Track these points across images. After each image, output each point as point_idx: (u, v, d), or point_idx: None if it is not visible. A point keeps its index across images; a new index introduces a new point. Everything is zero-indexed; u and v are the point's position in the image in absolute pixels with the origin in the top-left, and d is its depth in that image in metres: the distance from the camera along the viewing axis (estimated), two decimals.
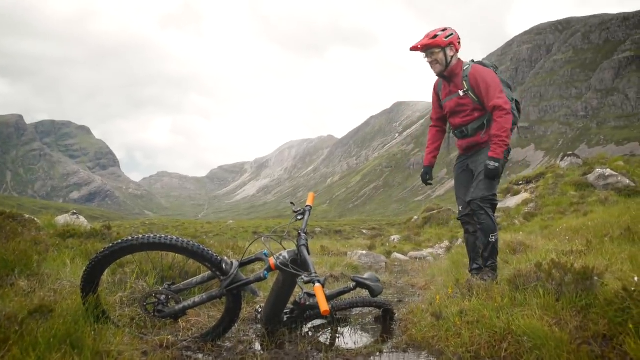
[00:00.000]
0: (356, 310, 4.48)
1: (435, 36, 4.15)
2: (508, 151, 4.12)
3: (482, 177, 4.09)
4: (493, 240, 4.05)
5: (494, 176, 4.01)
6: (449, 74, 4.28)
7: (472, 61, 4.39)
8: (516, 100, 4.40)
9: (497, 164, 3.97)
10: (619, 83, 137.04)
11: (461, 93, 4.23)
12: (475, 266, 4.32)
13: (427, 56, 4.25)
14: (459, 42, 4.25)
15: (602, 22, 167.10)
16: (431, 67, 4.29)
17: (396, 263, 9.16)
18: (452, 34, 4.19)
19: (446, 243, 12.06)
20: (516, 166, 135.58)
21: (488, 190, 4.09)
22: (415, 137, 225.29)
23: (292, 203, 3.65)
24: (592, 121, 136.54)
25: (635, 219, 6.84)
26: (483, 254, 4.15)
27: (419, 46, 4.19)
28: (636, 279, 2.43)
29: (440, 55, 4.18)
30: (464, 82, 4.21)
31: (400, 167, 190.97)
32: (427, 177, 4.77)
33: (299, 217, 3.45)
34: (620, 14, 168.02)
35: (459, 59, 4.29)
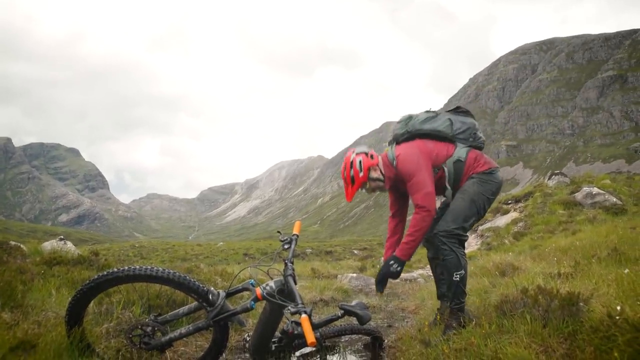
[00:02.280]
0: (345, 337, 4.45)
1: (352, 178, 3.83)
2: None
3: (455, 206, 3.72)
4: (457, 279, 3.55)
5: (392, 277, 3.71)
6: (393, 182, 3.94)
7: (391, 144, 4.05)
8: (473, 126, 3.95)
9: (399, 268, 3.68)
10: (604, 101, 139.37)
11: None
12: (440, 292, 4.13)
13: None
14: (371, 157, 3.87)
15: (585, 42, 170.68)
16: (379, 191, 4.03)
17: (386, 285, 9.11)
18: (361, 160, 3.82)
19: None
20: (505, 184, 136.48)
21: (455, 222, 3.64)
22: None
23: (279, 232, 3.65)
24: (578, 139, 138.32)
25: (622, 239, 6.91)
26: (447, 294, 3.74)
27: (353, 194, 3.89)
28: (619, 308, 2.44)
29: (372, 184, 3.89)
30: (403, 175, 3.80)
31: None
32: (382, 285, 3.90)
33: (286, 247, 3.44)
34: (601, 34, 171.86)
35: (382, 159, 3.94)
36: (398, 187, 3.99)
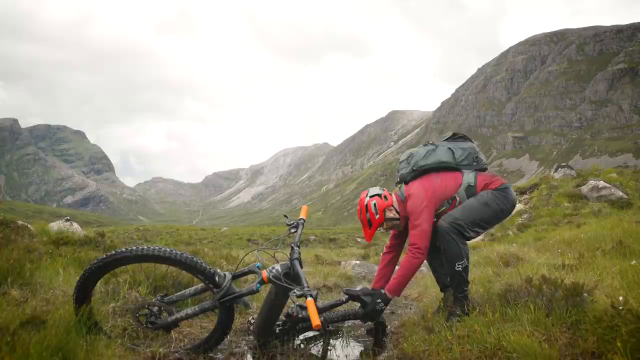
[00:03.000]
0: (348, 322, 4.49)
1: (370, 221, 3.92)
2: None
3: (467, 203, 3.73)
4: (459, 269, 3.55)
5: (375, 315, 3.79)
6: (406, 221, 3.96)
7: (398, 184, 4.15)
8: (473, 150, 3.98)
9: (383, 306, 3.74)
10: (613, 94, 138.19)
11: None
12: (442, 284, 4.16)
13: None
14: (385, 198, 3.94)
15: (596, 34, 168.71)
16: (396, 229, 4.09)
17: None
18: (375, 203, 3.90)
19: None
20: (510, 176, 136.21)
21: (463, 216, 3.64)
22: (410, 146, 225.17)
23: (285, 216, 3.68)
24: (586, 132, 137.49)
25: (627, 232, 6.89)
26: (451, 283, 3.74)
27: (372, 235, 3.99)
28: (621, 298, 2.45)
29: (389, 223, 3.96)
30: None
31: (395, 176, 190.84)
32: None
33: (292, 231, 3.47)
34: (614, 26, 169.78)
35: (397, 200, 4.00)
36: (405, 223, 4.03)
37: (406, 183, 4.03)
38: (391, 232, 4.26)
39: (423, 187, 3.81)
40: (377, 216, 3.89)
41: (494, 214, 3.73)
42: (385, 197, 3.95)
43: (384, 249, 4.34)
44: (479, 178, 3.86)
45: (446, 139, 4.09)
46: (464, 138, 4.09)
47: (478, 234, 3.78)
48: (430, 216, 3.71)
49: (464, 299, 3.60)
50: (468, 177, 3.84)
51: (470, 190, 3.79)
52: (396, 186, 4.17)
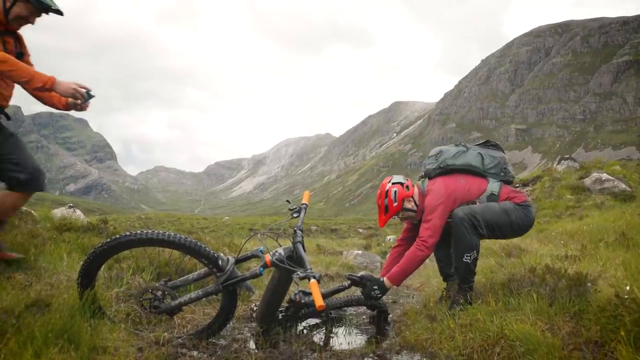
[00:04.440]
0: (351, 310, 4.50)
1: (387, 207, 3.92)
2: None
3: (487, 204, 3.71)
4: (468, 260, 3.52)
5: (369, 299, 3.71)
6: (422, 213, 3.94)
7: (422, 178, 4.10)
8: (503, 160, 3.95)
9: (379, 295, 3.65)
10: (617, 87, 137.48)
11: None
12: (444, 273, 4.18)
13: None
14: (407, 187, 3.92)
15: (602, 26, 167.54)
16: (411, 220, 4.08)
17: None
18: (396, 191, 3.89)
19: None
20: (513, 168, 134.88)
21: (482, 213, 3.59)
22: (412, 137, 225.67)
23: (288, 201, 3.68)
24: (589, 125, 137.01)
25: (630, 225, 6.89)
26: (457, 273, 3.70)
27: (386, 221, 4.00)
28: (628, 287, 2.45)
29: (406, 214, 3.96)
30: None
31: (398, 167, 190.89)
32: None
33: (295, 215, 3.47)
34: (619, 17, 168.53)
35: (418, 193, 3.98)
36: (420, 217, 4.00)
37: (430, 178, 4.01)
38: (405, 225, 4.24)
39: (445, 185, 3.79)
40: (395, 204, 3.88)
41: (510, 224, 3.66)
42: (407, 187, 3.93)
43: (396, 242, 4.31)
44: (504, 189, 3.82)
45: (478, 144, 4.06)
46: (496, 147, 4.06)
47: (489, 236, 3.71)
48: (444, 214, 3.68)
49: (469, 290, 3.58)
50: (492, 185, 3.80)
51: (492, 199, 3.74)
52: (419, 180, 4.14)
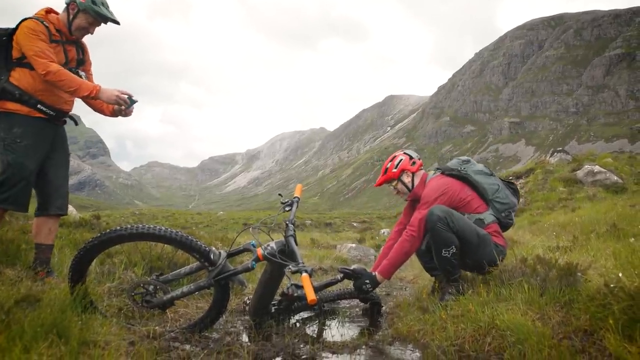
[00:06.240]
0: (344, 303, 4.52)
1: (386, 170, 4.07)
2: None
3: (469, 220, 3.66)
4: (447, 255, 3.45)
5: (360, 293, 3.69)
6: (413, 198, 4.02)
7: (437, 170, 4.10)
8: (514, 205, 3.92)
9: (370, 288, 3.61)
10: (610, 80, 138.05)
11: None
12: (427, 266, 4.16)
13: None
14: (413, 163, 4.01)
15: (594, 19, 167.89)
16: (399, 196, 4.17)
17: None
18: (402, 160, 4.03)
19: None
20: (507, 161, 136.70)
21: (458, 219, 3.51)
22: (407, 131, 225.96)
23: (280, 195, 3.67)
24: (582, 117, 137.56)
25: (621, 216, 6.95)
26: (439, 269, 3.65)
27: (380, 183, 4.16)
28: (620, 274, 2.47)
29: (399, 185, 4.05)
30: None
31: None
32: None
33: (287, 209, 3.47)
34: (612, 10, 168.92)
35: (421, 177, 4.03)
36: (415, 205, 4.00)
37: (443, 174, 4.01)
38: (404, 210, 4.25)
39: (448, 185, 3.79)
40: (395, 170, 4.01)
41: (476, 247, 3.53)
42: (414, 163, 4.02)
43: (394, 226, 4.31)
44: (493, 225, 3.75)
45: (502, 179, 4.05)
46: (515, 192, 4.05)
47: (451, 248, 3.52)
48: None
49: (456, 282, 3.55)
50: (487, 215, 3.76)
51: (479, 224, 3.70)
52: (434, 170, 4.14)
